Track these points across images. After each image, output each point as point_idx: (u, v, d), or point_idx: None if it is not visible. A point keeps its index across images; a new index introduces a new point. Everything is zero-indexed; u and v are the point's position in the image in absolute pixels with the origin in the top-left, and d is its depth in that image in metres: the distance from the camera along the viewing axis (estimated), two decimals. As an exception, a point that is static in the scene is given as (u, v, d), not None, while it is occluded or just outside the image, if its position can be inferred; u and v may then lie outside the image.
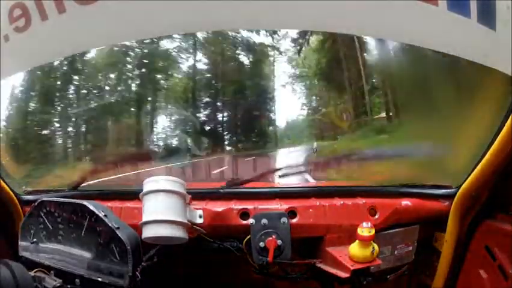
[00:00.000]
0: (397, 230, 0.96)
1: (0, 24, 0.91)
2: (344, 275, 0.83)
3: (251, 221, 0.90)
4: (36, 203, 0.92)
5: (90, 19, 0.90)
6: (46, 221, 0.90)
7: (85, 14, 0.89)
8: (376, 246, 0.83)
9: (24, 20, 0.91)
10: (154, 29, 0.96)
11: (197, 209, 0.89)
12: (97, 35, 0.94)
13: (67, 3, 0.89)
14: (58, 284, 0.82)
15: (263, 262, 0.87)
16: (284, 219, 0.89)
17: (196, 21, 0.93)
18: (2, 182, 0.98)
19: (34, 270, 0.83)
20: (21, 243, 0.93)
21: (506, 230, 0.81)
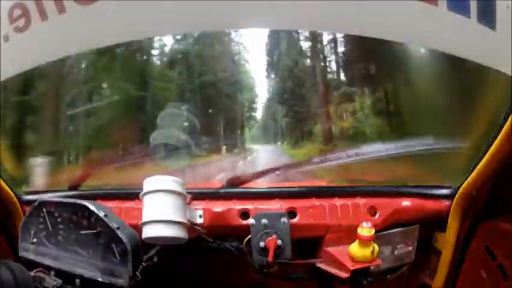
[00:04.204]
0: (397, 230, 0.96)
1: (0, 24, 0.91)
2: (343, 275, 0.83)
3: (251, 221, 0.90)
4: (36, 203, 0.92)
5: (90, 19, 0.90)
6: (46, 221, 0.90)
7: (85, 14, 0.89)
8: (376, 246, 0.83)
9: (24, 20, 0.91)
10: (154, 28, 0.96)
11: (197, 209, 0.89)
12: (97, 35, 0.94)
13: (66, 3, 0.89)
14: (58, 284, 0.82)
15: (263, 262, 0.87)
16: (284, 219, 0.89)
17: (196, 20, 0.93)
18: (2, 182, 0.97)
19: (34, 270, 0.83)
20: (21, 243, 0.93)
21: (506, 230, 0.81)
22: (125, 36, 1.00)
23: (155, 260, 0.85)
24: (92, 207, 0.83)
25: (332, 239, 0.91)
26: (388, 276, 0.97)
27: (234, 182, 1.04)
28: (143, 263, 0.82)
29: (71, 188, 1.10)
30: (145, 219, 0.81)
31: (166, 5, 0.90)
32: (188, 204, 0.86)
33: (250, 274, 0.94)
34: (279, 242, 0.87)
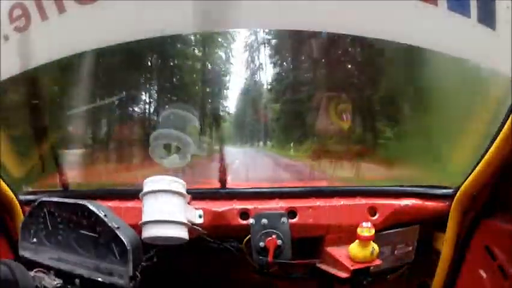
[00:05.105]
0: (397, 230, 0.96)
1: (0, 24, 0.91)
2: (343, 275, 0.83)
3: (251, 221, 0.90)
4: (36, 203, 0.92)
5: (90, 19, 0.90)
6: (46, 221, 0.90)
7: (85, 14, 0.89)
8: (376, 246, 0.83)
9: (24, 20, 0.91)
10: (154, 28, 0.96)
11: (197, 209, 0.89)
12: (97, 35, 0.94)
13: (66, 3, 0.89)
14: (58, 284, 0.82)
15: (263, 262, 0.87)
16: (284, 219, 0.89)
17: (197, 21, 0.93)
18: (2, 182, 0.97)
19: (34, 270, 0.83)
20: (21, 243, 0.93)
21: (506, 230, 0.81)
22: (125, 36, 1.00)
23: (155, 260, 0.85)
24: (92, 207, 0.83)
25: (332, 239, 0.91)
26: (388, 276, 0.97)
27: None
28: (143, 263, 0.82)
29: (65, 187, 1.09)
30: (145, 219, 0.81)
31: (167, 5, 0.90)
32: (188, 204, 0.86)
33: (250, 274, 0.94)
34: (279, 242, 0.87)
